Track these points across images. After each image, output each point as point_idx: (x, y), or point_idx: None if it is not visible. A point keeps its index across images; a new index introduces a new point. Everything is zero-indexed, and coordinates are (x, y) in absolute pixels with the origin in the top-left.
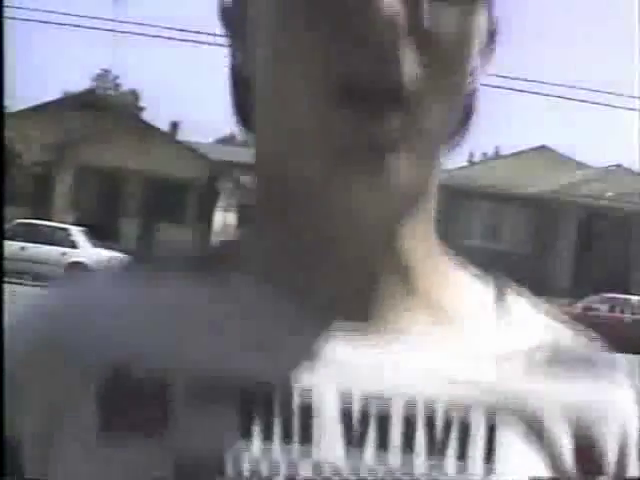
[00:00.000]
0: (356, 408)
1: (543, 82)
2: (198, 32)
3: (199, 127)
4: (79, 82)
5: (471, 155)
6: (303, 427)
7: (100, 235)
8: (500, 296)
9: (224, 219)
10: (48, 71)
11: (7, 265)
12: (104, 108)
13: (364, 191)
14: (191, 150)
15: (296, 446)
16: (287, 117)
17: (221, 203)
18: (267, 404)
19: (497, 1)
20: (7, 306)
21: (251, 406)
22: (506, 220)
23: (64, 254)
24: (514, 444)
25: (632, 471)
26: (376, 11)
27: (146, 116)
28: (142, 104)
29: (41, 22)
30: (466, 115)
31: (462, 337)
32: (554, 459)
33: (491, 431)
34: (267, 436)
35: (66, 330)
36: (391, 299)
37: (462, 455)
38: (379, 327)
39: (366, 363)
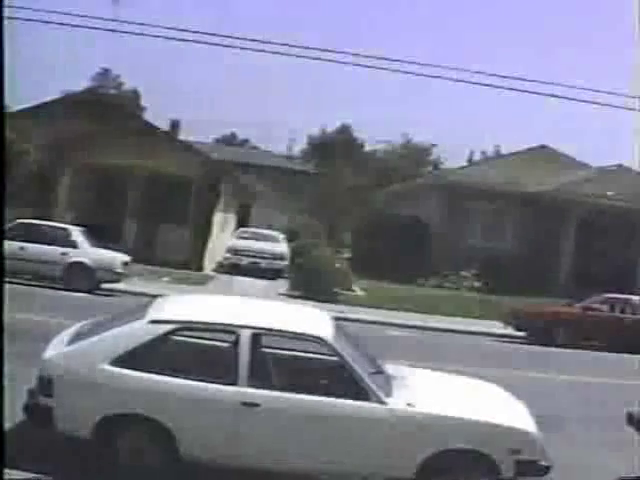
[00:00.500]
0: None
1: (543, 82)
2: (198, 32)
3: (199, 127)
4: (79, 82)
5: (471, 155)
6: None
7: (100, 235)
8: None
9: (224, 219)
10: (48, 71)
11: (7, 265)
12: (104, 108)
13: None
14: (191, 150)
15: None
16: None
17: (221, 203)
18: None
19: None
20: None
21: None
22: (506, 220)
23: (64, 254)
24: None
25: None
26: None
27: (146, 116)
28: (142, 104)
29: (41, 22)
30: None
31: None
32: None
33: None
34: None
35: None
36: None
37: None
38: None
39: None
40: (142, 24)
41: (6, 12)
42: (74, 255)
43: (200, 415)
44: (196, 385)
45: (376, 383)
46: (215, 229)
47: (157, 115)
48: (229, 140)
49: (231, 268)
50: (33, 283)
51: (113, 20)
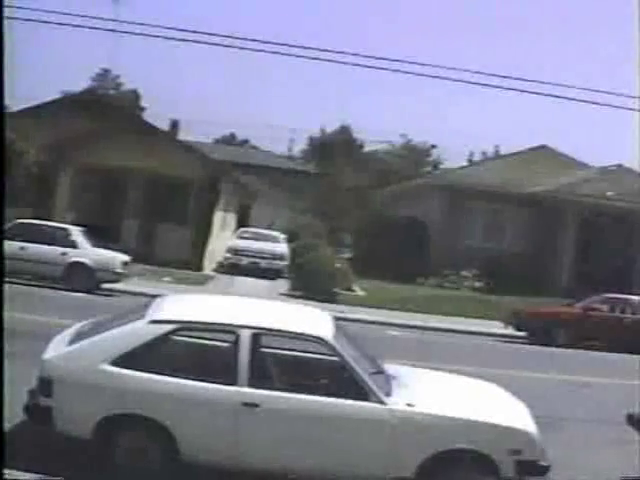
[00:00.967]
0: None
1: (543, 82)
2: (198, 32)
3: (199, 127)
4: (79, 82)
5: (471, 155)
6: None
7: (100, 235)
8: None
9: (224, 219)
10: (48, 71)
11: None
12: (104, 108)
13: None
14: (191, 150)
15: None
16: None
17: (221, 203)
18: None
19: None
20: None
21: None
22: (506, 220)
23: (64, 254)
24: None
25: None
26: None
27: (146, 116)
28: (142, 104)
29: (41, 22)
30: None
31: None
32: None
33: None
34: None
35: None
36: None
37: None
38: None
39: None
40: (142, 24)
41: (6, 12)
42: (74, 255)
43: (200, 415)
44: (196, 385)
45: (376, 383)
46: (215, 229)
47: (157, 115)
48: (229, 140)
49: (231, 268)
50: (33, 283)
51: (113, 20)
